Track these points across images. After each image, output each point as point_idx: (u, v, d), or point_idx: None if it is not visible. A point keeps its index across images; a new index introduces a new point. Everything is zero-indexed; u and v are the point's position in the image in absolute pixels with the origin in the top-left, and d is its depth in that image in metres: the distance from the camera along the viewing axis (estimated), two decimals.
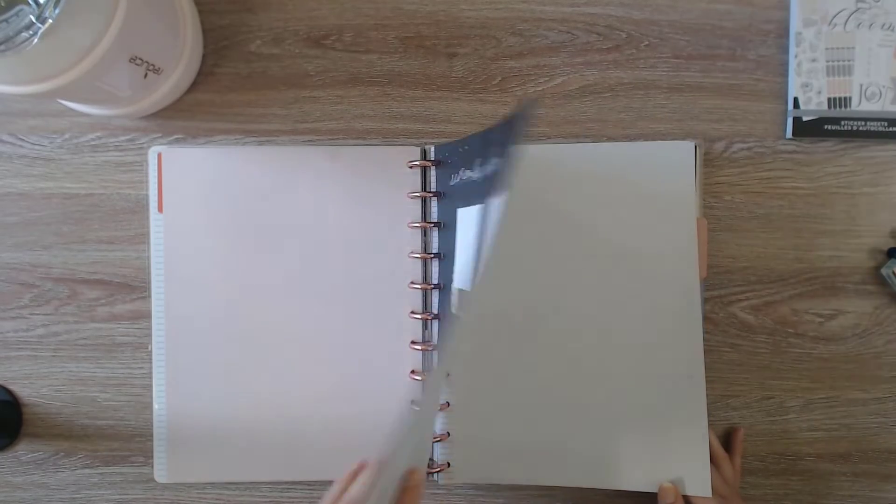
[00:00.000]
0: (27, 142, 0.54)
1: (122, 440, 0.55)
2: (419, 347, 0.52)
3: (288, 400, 0.53)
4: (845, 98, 0.53)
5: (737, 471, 0.53)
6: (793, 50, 0.53)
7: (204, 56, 0.53)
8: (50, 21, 0.36)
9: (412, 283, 0.52)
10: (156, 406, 0.53)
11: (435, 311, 0.52)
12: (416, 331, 0.53)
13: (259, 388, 0.53)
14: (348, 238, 0.53)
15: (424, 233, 0.53)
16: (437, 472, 0.52)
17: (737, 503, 0.51)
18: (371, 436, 0.52)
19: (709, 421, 0.50)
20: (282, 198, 0.53)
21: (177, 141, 0.54)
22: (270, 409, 0.53)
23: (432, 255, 0.52)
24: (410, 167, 0.52)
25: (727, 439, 0.55)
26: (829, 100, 0.53)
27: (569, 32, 0.54)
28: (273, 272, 0.53)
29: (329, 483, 0.54)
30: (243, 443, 0.53)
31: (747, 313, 0.54)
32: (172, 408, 0.53)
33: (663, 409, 0.51)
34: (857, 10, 0.52)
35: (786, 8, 0.53)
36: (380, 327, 0.53)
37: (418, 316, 0.52)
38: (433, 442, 0.52)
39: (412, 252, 0.52)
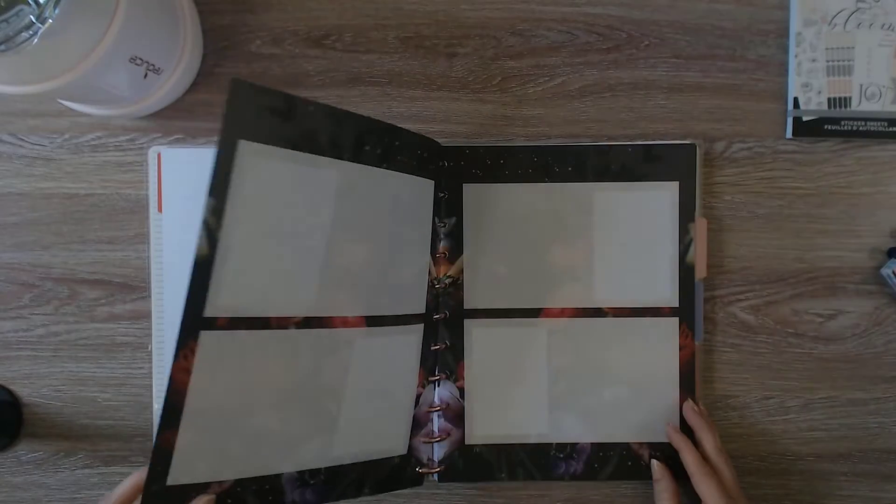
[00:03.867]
0: (27, 142, 0.54)
1: (122, 440, 0.55)
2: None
3: None
4: (845, 98, 0.53)
5: (719, 448, 0.49)
6: (793, 50, 0.53)
7: (204, 56, 0.53)
8: (50, 21, 0.36)
9: None
10: (156, 406, 0.53)
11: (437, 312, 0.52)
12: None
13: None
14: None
15: None
16: (437, 472, 0.52)
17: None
18: None
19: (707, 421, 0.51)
20: None
21: (177, 141, 0.54)
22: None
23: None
24: None
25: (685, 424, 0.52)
26: (829, 100, 0.53)
27: (569, 32, 0.54)
28: None
29: None
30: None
31: (747, 313, 0.54)
32: None
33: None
34: (857, 10, 0.52)
35: (786, 8, 0.53)
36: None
37: None
38: (433, 442, 0.52)
39: None
